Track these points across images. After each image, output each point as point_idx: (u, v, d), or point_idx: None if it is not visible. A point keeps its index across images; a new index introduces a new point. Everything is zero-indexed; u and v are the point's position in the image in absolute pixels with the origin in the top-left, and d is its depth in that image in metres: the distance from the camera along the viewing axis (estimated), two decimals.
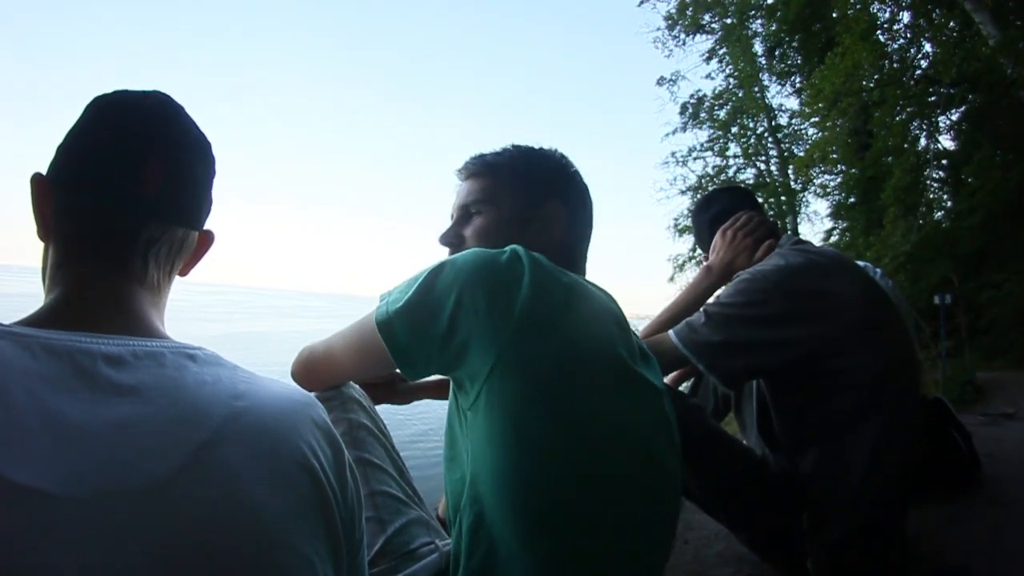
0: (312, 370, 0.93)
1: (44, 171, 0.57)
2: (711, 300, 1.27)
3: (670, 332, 1.19)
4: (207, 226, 0.66)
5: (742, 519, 1.21)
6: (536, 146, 0.97)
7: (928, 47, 8.47)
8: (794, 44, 12.00)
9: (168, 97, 0.61)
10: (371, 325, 0.75)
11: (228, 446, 0.44)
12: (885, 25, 8.69)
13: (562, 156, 0.98)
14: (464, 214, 0.94)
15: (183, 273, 0.67)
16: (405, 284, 0.74)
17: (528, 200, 0.92)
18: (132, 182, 0.56)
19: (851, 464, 1.10)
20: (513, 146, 0.96)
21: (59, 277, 0.54)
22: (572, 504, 0.67)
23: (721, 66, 13.34)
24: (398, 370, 0.76)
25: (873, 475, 1.08)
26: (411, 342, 0.71)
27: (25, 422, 0.38)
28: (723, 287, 1.30)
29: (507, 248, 0.73)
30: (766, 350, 1.12)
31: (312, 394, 0.60)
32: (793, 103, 13.86)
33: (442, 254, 0.93)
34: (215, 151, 0.64)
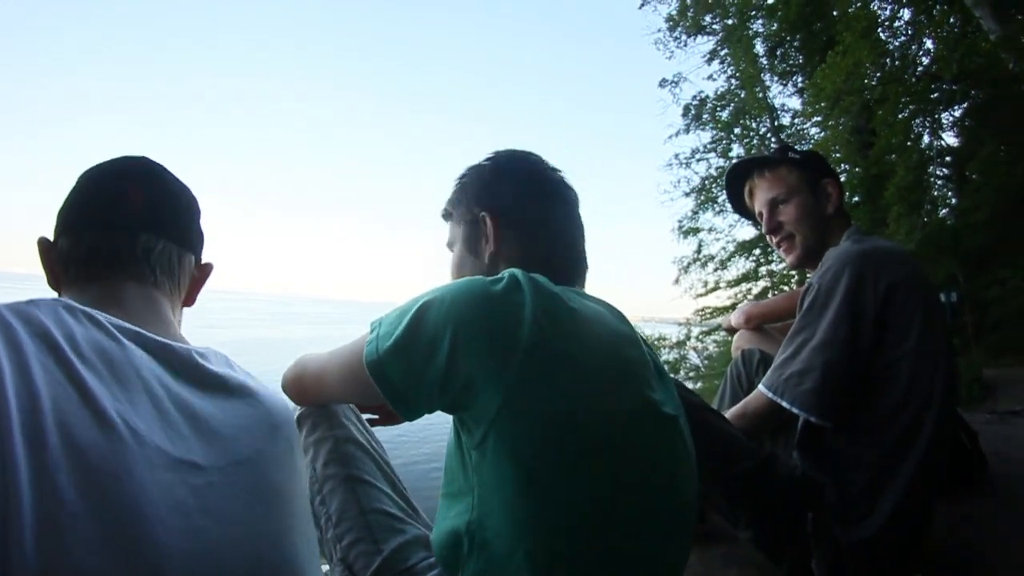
0: (304, 389, 0.89)
1: (44, 235, 0.71)
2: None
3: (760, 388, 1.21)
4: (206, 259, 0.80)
5: (746, 518, 1.21)
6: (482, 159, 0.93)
7: (929, 43, 8.43)
8: (795, 44, 11.95)
9: (144, 158, 0.75)
10: (361, 360, 0.67)
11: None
12: (886, 22, 8.63)
13: (497, 157, 0.90)
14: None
15: (188, 302, 0.78)
16: (394, 318, 0.67)
17: (466, 223, 0.89)
18: (121, 202, 0.70)
19: (864, 465, 1.10)
20: (461, 174, 0.93)
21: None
22: (593, 548, 0.62)
23: (723, 67, 13.27)
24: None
25: (886, 478, 1.07)
26: (407, 385, 0.64)
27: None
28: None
29: (504, 273, 0.66)
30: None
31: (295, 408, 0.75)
32: (795, 103, 13.77)
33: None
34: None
